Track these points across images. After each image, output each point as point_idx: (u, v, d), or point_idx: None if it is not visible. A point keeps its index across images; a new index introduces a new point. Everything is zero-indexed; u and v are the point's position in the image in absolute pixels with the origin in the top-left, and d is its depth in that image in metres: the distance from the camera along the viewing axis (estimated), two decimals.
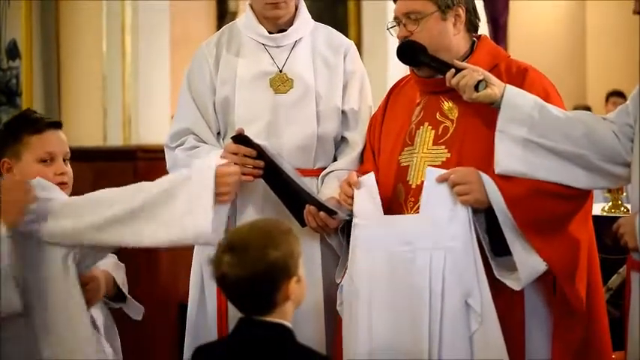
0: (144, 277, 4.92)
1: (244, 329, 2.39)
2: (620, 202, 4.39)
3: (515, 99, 2.86)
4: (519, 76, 3.01)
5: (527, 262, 2.86)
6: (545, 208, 2.87)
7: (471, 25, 3.09)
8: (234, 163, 3.04)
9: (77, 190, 2.90)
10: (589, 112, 3.05)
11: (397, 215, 2.97)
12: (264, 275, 2.33)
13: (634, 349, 2.73)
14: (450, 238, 2.85)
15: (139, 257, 4.91)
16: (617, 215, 4.31)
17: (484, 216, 2.90)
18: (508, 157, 2.87)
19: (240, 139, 3.14)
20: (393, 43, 3.20)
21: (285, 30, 3.36)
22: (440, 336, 2.82)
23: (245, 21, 3.41)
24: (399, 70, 5.38)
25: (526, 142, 2.86)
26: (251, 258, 2.34)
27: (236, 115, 3.30)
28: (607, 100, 9.06)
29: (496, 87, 2.87)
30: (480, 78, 2.87)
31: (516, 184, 2.86)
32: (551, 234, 2.87)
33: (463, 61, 3.03)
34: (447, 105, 3.04)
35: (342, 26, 7.07)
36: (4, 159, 2.76)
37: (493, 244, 2.91)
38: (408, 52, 3.04)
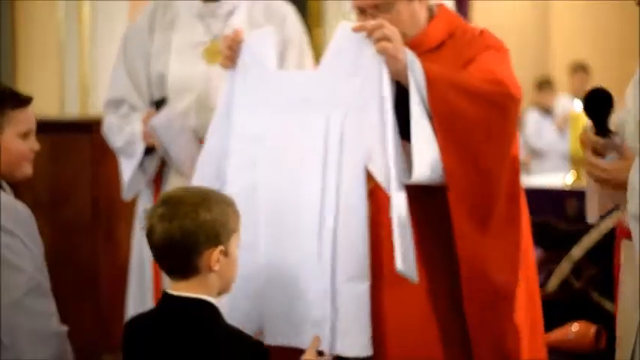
0: (103, 250, 4.88)
1: (167, 304, 2.36)
2: (582, 175, 4.40)
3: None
4: (474, 37, 2.82)
5: (426, 156, 2.55)
6: (462, 102, 2.59)
7: None
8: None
9: (34, 162, 2.83)
10: None
11: (291, 70, 2.80)
12: (188, 233, 2.28)
13: (624, 318, 2.70)
14: (352, 96, 2.57)
15: (98, 232, 4.87)
16: (580, 190, 4.32)
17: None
18: None
19: (161, 102, 3.27)
20: None
21: None
22: (337, 197, 2.58)
23: None
24: None
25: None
26: (181, 213, 2.29)
27: (169, 87, 3.32)
28: (572, 74, 9.04)
29: None
30: None
31: (438, 68, 2.61)
32: (460, 138, 2.58)
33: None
34: None
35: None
36: None
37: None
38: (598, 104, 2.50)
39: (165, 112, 3.30)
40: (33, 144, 2.73)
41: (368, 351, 2.57)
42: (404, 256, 2.49)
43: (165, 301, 2.37)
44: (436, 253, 2.69)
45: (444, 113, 2.57)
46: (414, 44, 2.71)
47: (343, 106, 2.58)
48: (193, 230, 2.29)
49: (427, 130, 2.55)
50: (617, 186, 2.53)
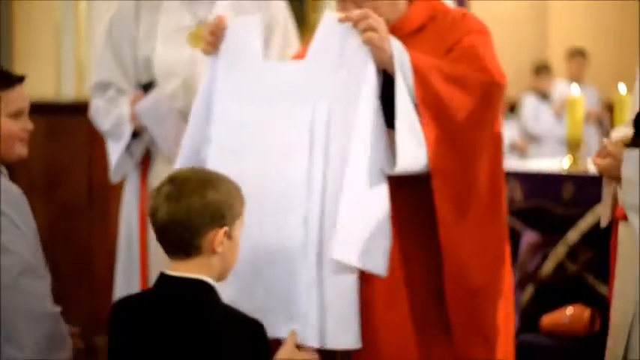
0: (98, 232, 4.88)
1: (163, 285, 2.34)
2: (579, 159, 4.41)
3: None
4: (455, 20, 2.78)
5: (411, 145, 2.53)
6: (449, 91, 2.58)
7: None
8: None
9: (29, 143, 2.82)
10: None
11: (276, 62, 2.74)
12: (194, 211, 2.27)
13: (620, 300, 2.70)
14: (339, 86, 2.53)
15: (94, 213, 4.87)
16: (576, 174, 4.33)
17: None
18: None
19: (149, 85, 3.30)
20: None
21: None
22: (323, 188, 2.55)
23: None
24: None
25: None
26: (188, 191, 2.28)
27: (156, 71, 3.34)
28: (570, 58, 9.03)
29: None
30: None
31: (424, 57, 2.60)
32: (446, 126, 2.58)
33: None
34: None
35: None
36: None
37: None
38: None
39: (153, 95, 3.32)
40: (26, 124, 2.69)
41: (357, 343, 2.55)
42: (366, 249, 2.49)
43: (162, 281, 2.35)
44: (420, 247, 2.67)
45: (431, 101, 2.55)
46: (394, 28, 2.68)
47: (329, 97, 2.54)
48: (199, 209, 2.28)
49: (413, 119, 2.53)
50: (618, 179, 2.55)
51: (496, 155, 2.73)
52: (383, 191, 2.52)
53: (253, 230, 2.56)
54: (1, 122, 2.64)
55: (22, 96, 2.69)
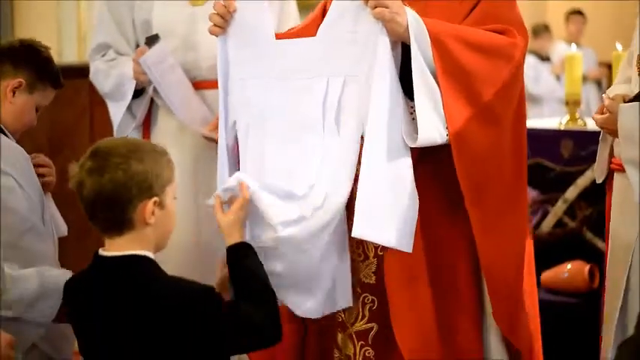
0: None
1: (99, 267, 2.28)
2: (577, 116, 4.43)
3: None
4: None
5: (431, 114, 2.48)
6: (468, 56, 2.52)
7: None
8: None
9: None
10: None
11: (291, 39, 2.69)
12: (119, 185, 2.21)
13: (614, 254, 2.72)
14: (351, 63, 2.53)
15: None
16: (575, 129, 4.36)
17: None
18: None
19: (153, 39, 3.31)
20: None
21: None
22: (337, 164, 2.55)
23: None
24: None
25: None
26: (111, 164, 2.21)
27: (154, 31, 3.35)
28: (569, 18, 9.03)
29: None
30: None
31: (441, 24, 2.56)
32: (467, 92, 2.51)
33: None
34: None
35: None
36: (19, 79, 2.73)
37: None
38: None
39: (158, 47, 3.32)
40: (35, 119, 2.81)
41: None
42: (389, 225, 2.46)
43: (98, 262, 2.29)
44: (446, 221, 2.62)
45: (451, 70, 2.50)
46: None
47: (343, 73, 2.54)
48: (125, 182, 2.21)
49: (433, 89, 2.49)
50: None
51: (520, 122, 2.67)
52: (405, 164, 2.48)
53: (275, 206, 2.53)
54: (31, 109, 2.76)
55: (51, 98, 2.84)
